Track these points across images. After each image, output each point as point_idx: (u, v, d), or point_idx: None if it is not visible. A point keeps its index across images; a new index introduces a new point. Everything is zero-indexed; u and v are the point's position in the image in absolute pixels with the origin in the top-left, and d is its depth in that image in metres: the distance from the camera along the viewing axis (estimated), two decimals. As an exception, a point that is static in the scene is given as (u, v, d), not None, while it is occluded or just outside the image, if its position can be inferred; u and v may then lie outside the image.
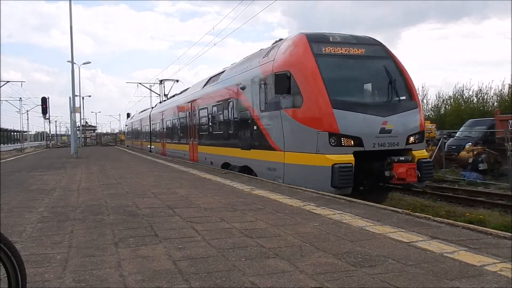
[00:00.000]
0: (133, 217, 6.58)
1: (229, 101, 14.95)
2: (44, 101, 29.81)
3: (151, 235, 5.37)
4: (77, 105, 29.01)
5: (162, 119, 29.03)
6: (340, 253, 4.37)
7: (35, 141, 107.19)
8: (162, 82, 35.63)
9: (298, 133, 10.57)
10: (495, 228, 7.05)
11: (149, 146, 35.56)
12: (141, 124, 41.59)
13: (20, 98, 64.49)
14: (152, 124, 34.11)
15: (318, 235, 5.16)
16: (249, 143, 13.14)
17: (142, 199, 8.41)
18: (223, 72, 17.13)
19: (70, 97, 27.20)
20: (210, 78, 19.11)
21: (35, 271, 3.96)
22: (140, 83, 53.83)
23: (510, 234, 4.90)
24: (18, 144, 72.57)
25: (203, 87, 19.20)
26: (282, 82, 10.64)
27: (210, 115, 17.70)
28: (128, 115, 58.60)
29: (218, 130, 16.69)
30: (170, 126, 26.65)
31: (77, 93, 35.35)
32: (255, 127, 12.62)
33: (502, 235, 4.90)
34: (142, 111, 45.51)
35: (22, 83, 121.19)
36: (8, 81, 52.64)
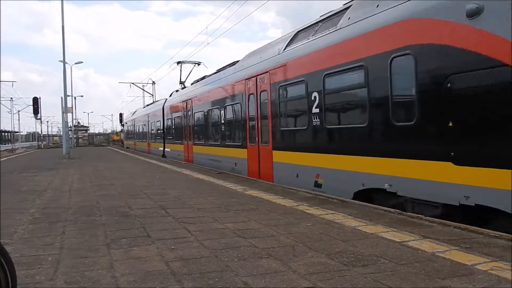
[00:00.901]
0: (126, 218, 6.56)
1: (408, 53, 6.61)
2: (35, 101, 29.60)
3: (143, 236, 5.36)
4: (69, 105, 28.90)
5: (187, 110, 20.40)
6: (332, 253, 4.38)
7: (26, 141, 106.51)
8: (180, 64, 26.30)
9: None
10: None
11: (161, 148, 26.88)
12: (148, 120, 32.18)
13: (11, 98, 64.12)
14: (168, 118, 25.18)
15: (311, 235, 5.17)
16: None
17: (135, 199, 8.38)
18: (344, 10, 8.98)
19: (62, 97, 27.07)
20: (298, 32, 10.88)
21: (26, 273, 3.93)
22: (132, 83, 53.86)
23: (500, 233, 4.93)
24: (9, 144, 72.02)
25: (285, 48, 10.96)
26: None
27: (313, 95, 9.21)
28: (121, 115, 58.20)
29: (348, 122, 8.43)
30: (204, 120, 17.76)
31: (69, 93, 35.20)
32: None
33: (493, 234, 4.93)
34: (149, 104, 36.93)
35: (13, 83, 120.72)
36: (-2, 81, 52.35)
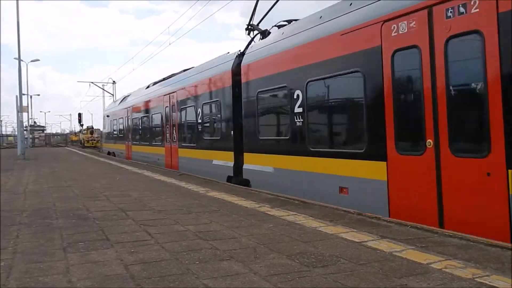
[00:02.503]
0: (84, 220, 6.38)
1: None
2: (-12, 99, 28.42)
3: (102, 239, 5.23)
4: (24, 104, 27.87)
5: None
6: (293, 254, 4.42)
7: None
8: None
9: None
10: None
11: (219, 162, 12.34)
12: (168, 106, 17.13)
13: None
14: (262, 92, 10.13)
15: (272, 237, 5.20)
16: None
17: (94, 202, 8.17)
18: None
19: (17, 96, 26.11)
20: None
21: (-24, 280, 3.75)
22: (92, 82, 52.48)
23: (453, 232, 5.11)
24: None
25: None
26: None
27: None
28: (80, 115, 56.56)
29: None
30: None
31: (24, 91, 33.98)
32: None
33: (447, 233, 5.11)
34: (163, 80, 20.16)
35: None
36: None
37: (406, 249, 4.51)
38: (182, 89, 15.66)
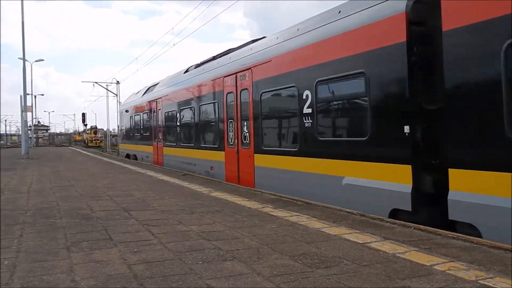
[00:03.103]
0: (87, 220, 6.40)
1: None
2: (-8, 99, 28.53)
3: (105, 238, 5.24)
4: (28, 103, 27.98)
5: None
6: (296, 255, 4.41)
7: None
8: None
9: None
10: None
11: None
12: (249, 91, 10.68)
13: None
14: None
15: (275, 237, 5.20)
16: None
17: (97, 201, 8.19)
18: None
19: (21, 96, 26.22)
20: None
21: (-20, 278, 3.77)
22: (96, 82, 52.56)
23: (457, 234, 5.10)
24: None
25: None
26: None
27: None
28: (83, 115, 56.71)
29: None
30: None
31: (28, 91, 34.10)
32: None
33: (450, 235, 5.10)
34: (225, 53, 13.82)
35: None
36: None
37: (409, 251, 4.50)
38: (266, 63, 10.00)
